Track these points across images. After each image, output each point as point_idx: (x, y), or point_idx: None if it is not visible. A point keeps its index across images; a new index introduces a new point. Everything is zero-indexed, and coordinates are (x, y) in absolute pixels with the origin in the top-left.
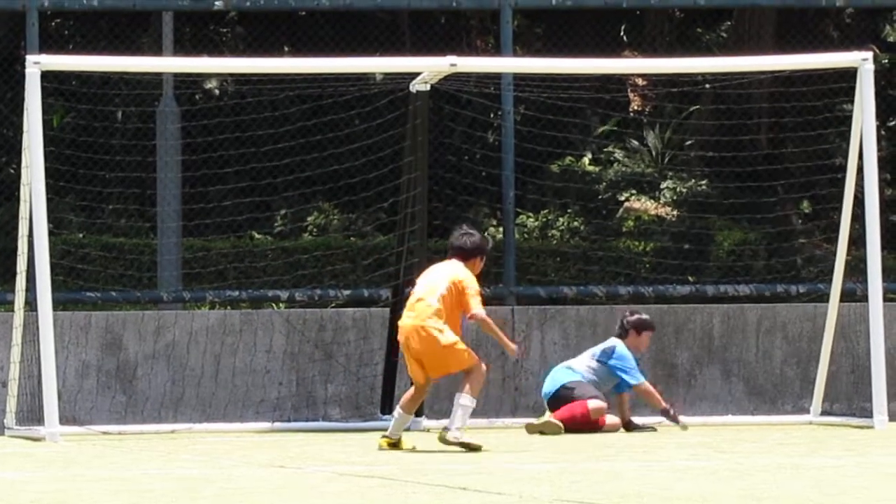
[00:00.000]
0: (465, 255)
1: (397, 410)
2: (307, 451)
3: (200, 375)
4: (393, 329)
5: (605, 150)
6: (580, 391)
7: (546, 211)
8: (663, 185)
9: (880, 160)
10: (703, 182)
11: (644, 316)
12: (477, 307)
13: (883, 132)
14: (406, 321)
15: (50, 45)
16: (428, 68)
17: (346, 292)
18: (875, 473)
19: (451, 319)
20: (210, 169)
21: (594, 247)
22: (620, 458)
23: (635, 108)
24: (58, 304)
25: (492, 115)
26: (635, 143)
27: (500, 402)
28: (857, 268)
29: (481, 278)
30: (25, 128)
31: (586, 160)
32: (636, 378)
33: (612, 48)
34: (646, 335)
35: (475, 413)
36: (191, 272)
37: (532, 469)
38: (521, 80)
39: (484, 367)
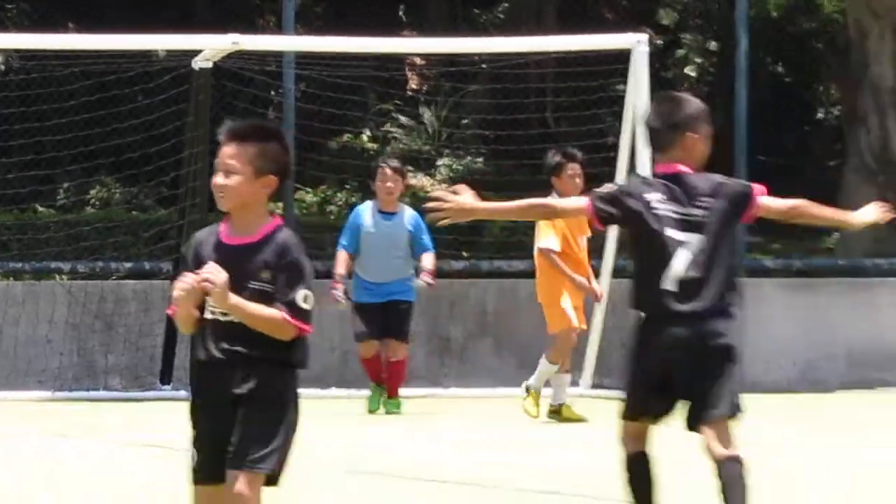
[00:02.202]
0: None
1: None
2: (88, 420)
3: None
4: None
5: (384, 127)
6: None
7: (325, 186)
8: (440, 162)
9: None
10: (480, 160)
11: None
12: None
13: None
14: None
15: None
16: (210, 46)
17: (128, 265)
18: None
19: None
20: None
21: None
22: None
23: (413, 86)
24: None
25: (273, 93)
26: (413, 121)
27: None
28: (627, 245)
29: None
30: None
31: (365, 137)
32: None
33: (391, 28)
34: None
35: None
36: None
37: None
38: (302, 58)
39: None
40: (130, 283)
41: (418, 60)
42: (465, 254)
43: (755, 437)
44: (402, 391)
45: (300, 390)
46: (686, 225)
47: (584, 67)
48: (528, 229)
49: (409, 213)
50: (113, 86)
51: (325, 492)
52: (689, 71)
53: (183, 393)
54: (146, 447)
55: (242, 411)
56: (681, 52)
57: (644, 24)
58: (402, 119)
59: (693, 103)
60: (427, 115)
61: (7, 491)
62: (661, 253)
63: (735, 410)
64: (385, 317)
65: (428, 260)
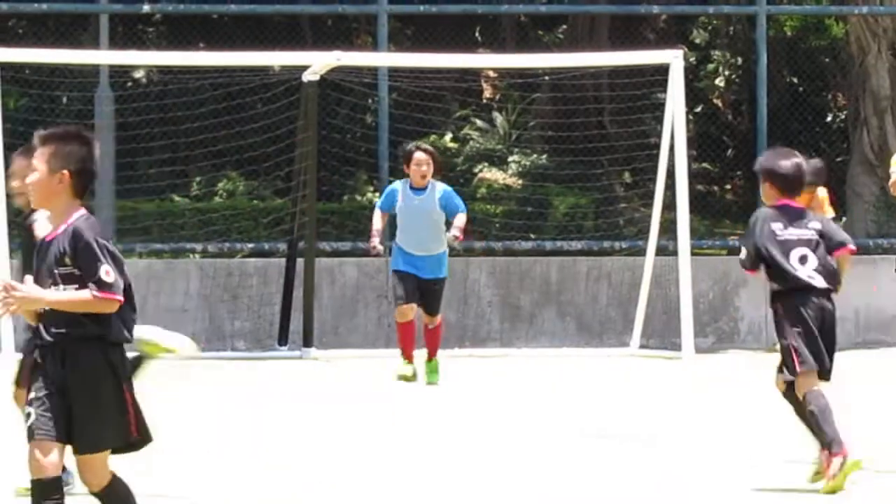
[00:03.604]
0: None
1: None
2: (217, 376)
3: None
4: (289, 274)
5: (463, 130)
6: None
7: None
8: (510, 159)
9: (688, 140)
10: (543, 157)
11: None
12: None
13: (690, 117)
14: None
15: (6, 40)
16: (317, 62)
17: (250, 245)
18: (682, 397)
19: None
20: (138, 143)
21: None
22: (474, 383)
23: (488, 95)
24: (11, 255)
25: (370, 101)
26: (487, 124)
27: (376, 336)
28: (668, 227)
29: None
30: None
31: (447, 138)
32: None
33: (469, 46)
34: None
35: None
36: (122, 228)
37: (399, 393)
38: (394, 71)
39: None
40: (252, 261)
41: (492, 73)
42: (532, 235)
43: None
44: (482, 351)
45: None
46: None
47: (630, 79)
48: (585, 215)
49: (439, 187)
50: (236, 95)
51: (420, 433)
52: (718, 82)
53: (297, 353)
54: (265, 397)
55: (70, 390)
56: (711, 65)
57: (680, 42)
58: (479, 123)
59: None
60: (499, 119)
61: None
62: None
63: None
64: (421, 292)
65: (459, 219)
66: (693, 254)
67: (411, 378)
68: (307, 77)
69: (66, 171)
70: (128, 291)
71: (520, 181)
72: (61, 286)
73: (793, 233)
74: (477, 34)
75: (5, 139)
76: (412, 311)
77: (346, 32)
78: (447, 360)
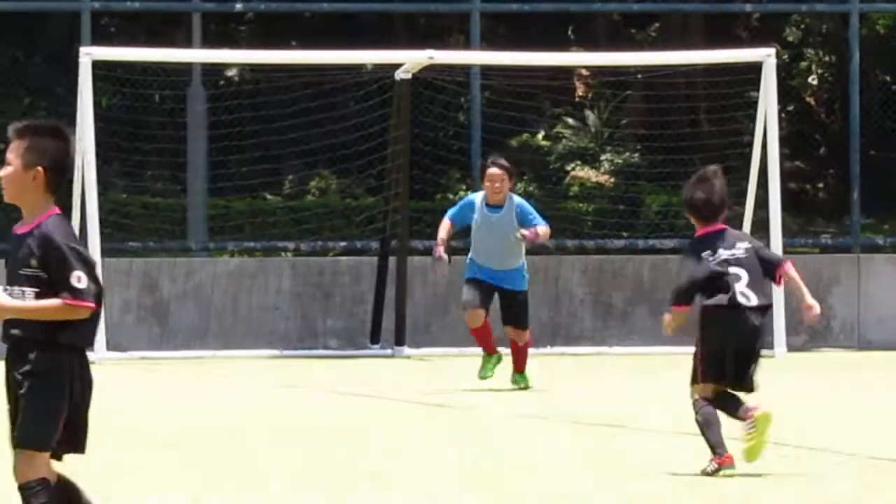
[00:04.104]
0: None
1: None
2: (310, 374)
3: (222, 311)
4: (382, 272)
5: (555, 128)
6: None
7: None
8: (602, 157)
9: (781, 138)
10: (636, 155)
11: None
12: None
13: (783, 115)
14: None
15: (99, 39)
16: (410, 60)
17: (342, 244)
18: (775, 395)
19: None
20: (230, 141)
21: (546, 207)
22: (568, 381)
23: (580, 93)
24: (105, 253)
25: (462, 99)
26: (579, 122)
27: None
28: (761, 226)
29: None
30: (79, 107)
31: (539, 136)
32: None
33: (562, 45)
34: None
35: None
36: (214, 226)
37: (491, 390)
38: (486, 70)
39: None
40: (344, 259)
41: (584, 72)
42: (624, 234)
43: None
44: (574, 350)
45: None
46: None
47: (722, 77)
48: (678, 213)
49: (516, 200)
50: (329, 93)
51: (507, 428)
52: (811, 80)
53: (389, 351)
54: (357, 396)
55: (21, 391)
56: (804, 64)
57: (773, 40)
58: (571, 121)
59: None
60: (591, 117)
61: (238, 429)
62: None
63: None
64: (505, 306)
65: (541, 228)
66: (785, 252)
67: (490, 373)
68: (400, 75)
69: (40, 168)
70: (98, 297)
71: (612, 179)
72: (16, 288)
73: (723, 254)
74: (569, 32)
75: (98, 137)
76: (482, 315)
77: (438, 31)
78: (538, 360)
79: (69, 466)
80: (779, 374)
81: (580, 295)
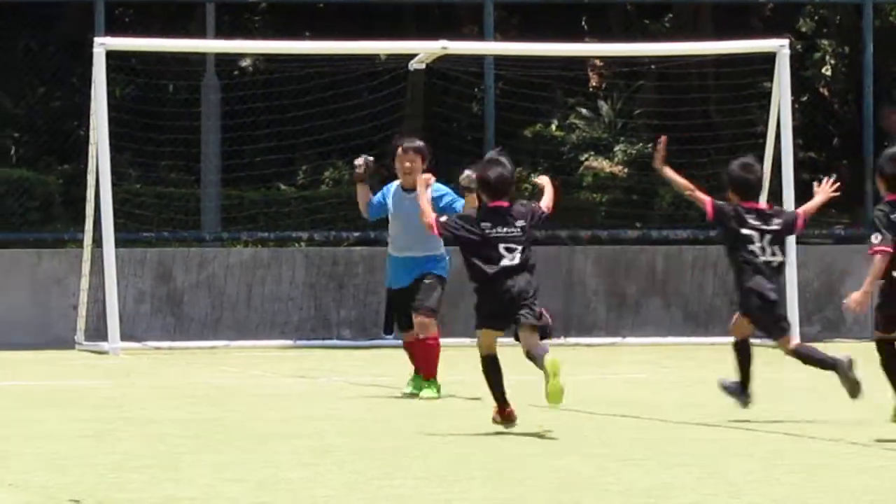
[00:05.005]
0: None
1: None
2: (323, 364)
3: (236, 301)
4: None
5: (569, 118)
6: None
7: (520, 168)
8: (616, 148)
9: (794, 129)
10: (649, 145)
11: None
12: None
13: (796, 106)
14: None
15: (113, 29)
16: (423, 50)
17: (356, 234)
18: (788, 385)
19: None
20: (244, 132)
21: (560, 198)
22: (579, 372)
23: (593, 84)
24: (119, 243)
25: (476, 90)
26: (593, 113)
27: None
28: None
29: None
30: (93, 97)
31: (553, 127)
32: None
33: (574, 36)
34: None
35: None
36: (228, 217)
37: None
38: (500, 60)
39: None
40: (358, 249)
41: (597, 62)
42: (637, 224)
43: None
44: (587, 340)
45: None
46: None
47: (736, 67)
48: (691, 204)
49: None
50: (342, 84)
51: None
52: (824, 71)
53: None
54: (370, 387)
55: None
56: (817, 54)
57: (786, 31)
58: (584, 111)
59: None
60: (605, 108)
61: (251, 419)
62: None
63: None
64: (414, 295)
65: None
66: (799, 242)
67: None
68: (413, 66)
69: None
70: None
71: (625, 170)
72: None
73: (500, 231)
74: (583, 23)
75: (111, 127)
76: (411, 335)
77: (452, 21)
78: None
79: (85, 457)
80: (792, 364)
81: (593, 285)
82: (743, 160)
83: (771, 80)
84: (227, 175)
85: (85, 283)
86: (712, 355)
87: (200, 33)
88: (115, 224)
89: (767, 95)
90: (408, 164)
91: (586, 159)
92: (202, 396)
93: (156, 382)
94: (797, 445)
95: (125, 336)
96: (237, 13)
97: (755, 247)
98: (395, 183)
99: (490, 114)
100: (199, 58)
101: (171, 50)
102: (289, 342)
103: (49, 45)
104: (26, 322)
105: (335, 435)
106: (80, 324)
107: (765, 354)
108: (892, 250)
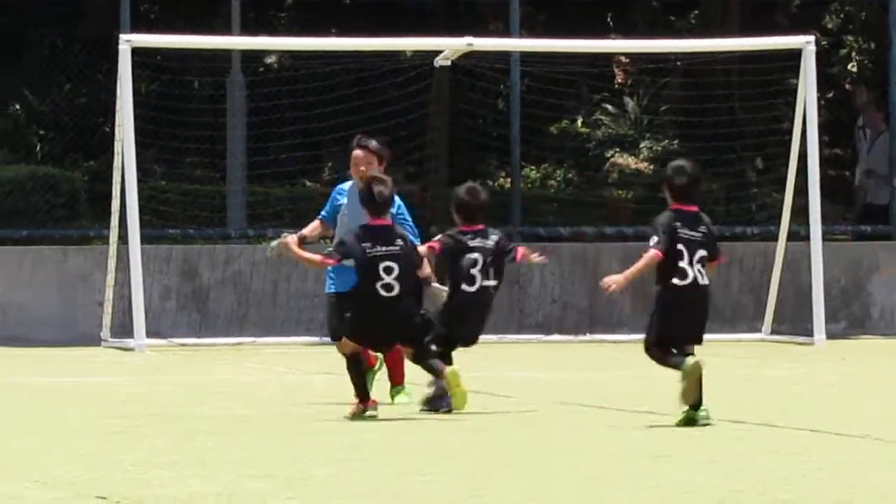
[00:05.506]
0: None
1: None
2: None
3: (261, 298)
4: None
5: (594, 115)
6: None
7: (546, 165)
8: (642, 145)
9: (820, 125)
10: (675, 142)
11: None
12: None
13: (822, 102)
14: None
15: (139, 26)
16: (449, 47)
17: None
18: (815, 382)
19: None
20: (269, 128)
21: (585, 194)
22: (609, 368)
23: (619, 80)
24: (145, 239)
25: (501, 86)
26: (618, 109)
27: (507, 323)
28: (800, 213)
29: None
30: (118, 94)
31: (579, 123)
32: None
33: (600, 32)
34: None
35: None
36: (253, 213)
37: (532, 377)
38: (526, 57)
39: None
40: None
41: (623, 59)
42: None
43: None
44: (612, 337)
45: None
46: None
47: (762, 64)
48: (717, 200)
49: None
50: (368, 80)
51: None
52: (850, 67)
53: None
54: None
55: None
56: (843, 51)
57: (812, 27)
58: (610, 108)
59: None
60: (630, 104)
61: (277, 416)
62: None
63: None
64: None
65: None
66: (825, 239)
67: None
68: (439, 62)
69: None
70: None
71: (651, 166)
72: None
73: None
74: (609, 19)
75: (137, 124)
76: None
77: (477, 18)
78: (574, 347)
79: (112, 454)
80: (818, 361)
81: None
82: (469, 185)
83: (796, 77)
84: (252, 172)
85: (111, 279)
86: (738, 352)
87: (225, 30)
88: (141, 221)
89: (793, 92)
90: (363, 168)
91: (612, 156)
92: (228, 393)
93: (182, 379)
94: (824, 442)
95: (151, 333)
96: (262, 10)
97: None
98: (349, 182)
99: (515, 110)
100: (225, 54)
101: (196, 46)
102: (314, 339)
103: (75, 42)
104: (52, 319)
105: (363, 431)
106: (106, 320)
107: (792, 352)
108: (663, 256)
